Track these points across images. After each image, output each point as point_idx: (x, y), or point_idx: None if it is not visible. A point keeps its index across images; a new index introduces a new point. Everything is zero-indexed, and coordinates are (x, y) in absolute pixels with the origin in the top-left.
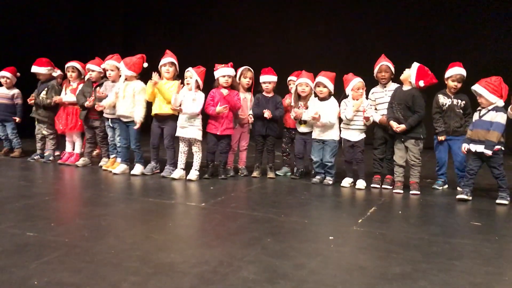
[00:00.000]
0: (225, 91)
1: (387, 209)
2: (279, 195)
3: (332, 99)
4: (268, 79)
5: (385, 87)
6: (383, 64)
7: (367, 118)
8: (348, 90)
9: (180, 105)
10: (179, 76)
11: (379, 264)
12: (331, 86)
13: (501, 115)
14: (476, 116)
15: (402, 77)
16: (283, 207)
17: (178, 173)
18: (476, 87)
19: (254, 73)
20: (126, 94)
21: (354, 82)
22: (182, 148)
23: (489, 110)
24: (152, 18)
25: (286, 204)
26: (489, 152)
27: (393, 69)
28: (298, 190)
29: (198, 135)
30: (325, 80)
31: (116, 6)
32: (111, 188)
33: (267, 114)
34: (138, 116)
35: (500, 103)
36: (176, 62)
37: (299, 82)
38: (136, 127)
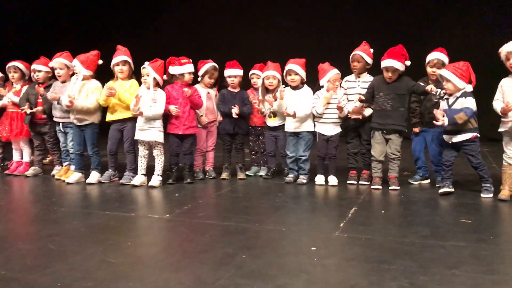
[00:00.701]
0: (188, 90)
1: (368, 208)
2: (251, 199)
3: (306, 88)
4: (234, 73)
5: (358, 77)
6: (356, 53)
7: (340, 109)
8: (323, 81)
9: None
10: (135, 73)
11: (373, 280)
12: (302, 73)
13: (470, 100)
14: (444, 105)
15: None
16: (257, 213)
17: (139, 179)
18: (444, 72)
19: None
20: (81, 95)
21: (331, 74)
22: (142, 152)
23: (457, 98)
24: (104, 10)
25: (260, 209)
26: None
27: (368, 59)
28: (271, 191)
29: (159, 137)
30: (296, 67)
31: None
32: (63, 201)
33: (235, 111)
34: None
35: (469, 88)
36: (130, 60)
37: (266, 74)
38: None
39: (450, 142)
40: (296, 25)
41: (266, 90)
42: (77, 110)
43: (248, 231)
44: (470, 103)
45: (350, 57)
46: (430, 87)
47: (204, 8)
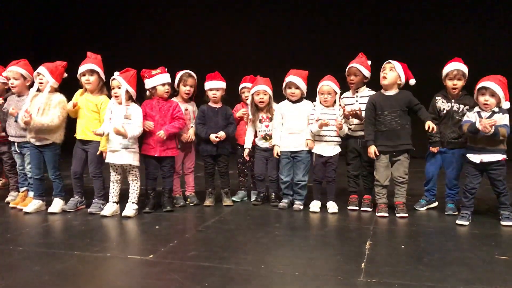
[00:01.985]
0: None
1: (384, 242)
2: (247, 232)
3: (305, 102)
4: (216, 85)
5: (356, 92)
6: (352, 66)
7: (340, 127)
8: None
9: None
10: (106, 84)
11: None
12: (304, 87)
13: (507, 117)
14: (474, 118)
15: (388, 82)
16: (258, 251)
17: (110, 208)
18: (490, 84)
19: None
20: (43, 110)
21: (320, 85)
22: (114, 176)
23: (494, 112)
24: (71, 15)
25: (261, 246)
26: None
27: (365, 72)
28: (266, 222)
29: (134, 160)
30: (297, 79)
31: (27, 4)
32: (20, 237)
33: (214, 138)
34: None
35: (507, 104)
36: (99, 69)
37: (256, 90)
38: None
39: (479, 162)
40: (287, 36)
41: (256, 108)
42: (35, 128)
43: (255, 277)
44: (507, 120)
45: (346, 70)
46: (432, 127)
47: (188, 15)
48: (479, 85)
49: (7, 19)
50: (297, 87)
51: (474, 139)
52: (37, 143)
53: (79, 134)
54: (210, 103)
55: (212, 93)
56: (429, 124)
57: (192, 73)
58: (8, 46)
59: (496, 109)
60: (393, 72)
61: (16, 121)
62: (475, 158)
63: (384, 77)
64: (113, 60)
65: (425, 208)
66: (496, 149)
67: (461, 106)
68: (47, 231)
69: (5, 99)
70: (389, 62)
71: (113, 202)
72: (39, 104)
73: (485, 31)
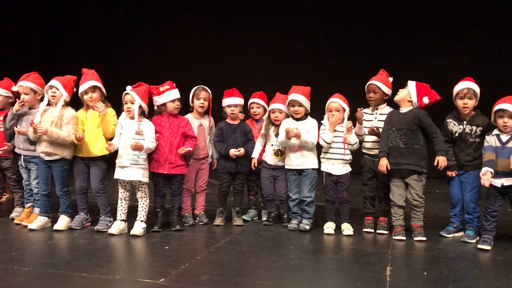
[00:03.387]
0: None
1: (405, 268)
2: (260, 255)
3: (310, 119)
4: (234, 101)
5: (376, 109)
6: (371, 83)
7: (345, 139)
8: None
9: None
10: (108, 98)
11: None
12: (307, 104)
13: None
14: (494, 142)
15: (397, 98)
16: (274, 276)
17: (118, 226)
18: (508, 106)
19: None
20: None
21: (328, 102)
22: (123, 193)
23: None
24: (78, 31)
25: (276, 270)
26: None
27: (385, 90)
28: (279, 243)
29: (144, 177)
30: (300, 97)
31: (36, 16)
32: (26, 257)
33: (234, 153)
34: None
35: None
36: (100, 84)
37: (273, 108)
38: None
39: (500, 186)
40: (301, 50)
41: (272, 124)
42: (49, 140)
43: None
44: None
45: (366, 87)
46: (440, 165)
47: (199, 31)
48: (496, 107)
49: (15, 33)
50: (300, 105)
51: (495, 162)
52: (46, 158)
53: (83, 153)
54: (228, 120)
55: (230, 110)
56: (438, 160)
57: (206, 87)
58: (16, 59)
59: None
60: (405, 90)
61: (28, 139)
62: (496, 181)
63: (396, 93)
64: (118, 74)
65: (452, 235)
66: None
67: (474, 127)
68: (52, 250)
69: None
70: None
71: (121, 220)
72: (52, 117)
73: (500, 51)
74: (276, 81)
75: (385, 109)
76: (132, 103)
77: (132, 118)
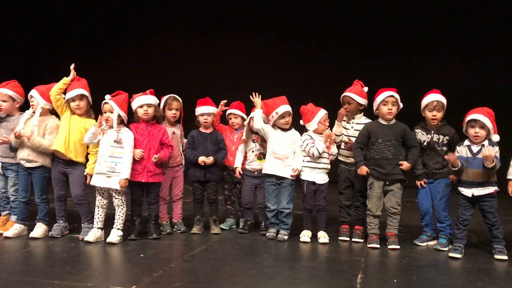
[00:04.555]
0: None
1: (376, 275)
2: (234, 263)
3: (294, 131)
4: (207, 110)
5: (353, 118)
6: (345, 95)
7: (346, 142)
8: (312, 124)
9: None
10: (94, 108)
11: None
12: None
13: (497, 150)
14: (464, 152)
15: (392, 117)
16: (246, 283)
17: (94, 234)
18: (479, 117)
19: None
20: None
21: (321, 114)
22: (100, 201)
23: (483, 146)
24: (63, 38)
25: (249, 278)
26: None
27: (360, 100)
28: (254, 251)
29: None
30: (289, 108)
31: (19, 23)
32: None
33: (203, 160)
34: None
35: (496, 137)
36: (87, 93)
37: (252, 116)
38: None
39: (470, 196)
40: (281, 60)
41: (251, 131)
42: (31, 148)
43: None
44: (498, 153)
45: (341, 99)
46: (406, 168)
47: (178, 39)
48: (468, 117)
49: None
50: (290, 114)
51: (466, 173)
52: (27, 165)
53: (60, 148)
54: (200, 128)
55: (203, 119)
56: (405, 164)
57: (177, 96)
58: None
59: (486, 142)
60: (395, 106)
61: (10, 147)
62: (466, 191)
63: (390, 113)
64: (101, 83)
65: (425, 243)
66: (487, 182)
67: (441, 136)
68: (27, 257)
69: None
70: (392, 96)
71: (98, 228)
72: (32, 126)
73: (464, 62)
74: (254, 90)
75: (362, 119)
76: (111, 112)
77: (111, 127)
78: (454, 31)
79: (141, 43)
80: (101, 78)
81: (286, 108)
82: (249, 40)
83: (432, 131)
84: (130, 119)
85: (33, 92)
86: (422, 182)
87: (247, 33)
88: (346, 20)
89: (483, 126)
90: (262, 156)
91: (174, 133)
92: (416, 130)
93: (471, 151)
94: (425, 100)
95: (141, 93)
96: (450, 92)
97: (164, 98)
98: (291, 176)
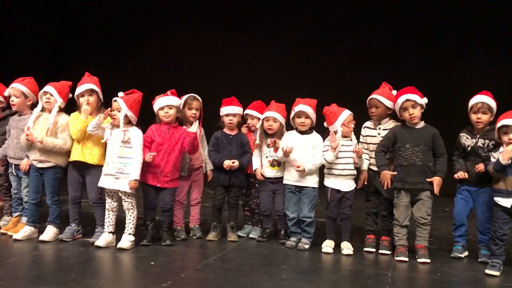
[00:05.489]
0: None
1: None
2: (249, 274)
3: (315, 134)
4: (232, 111)
5: (379, 124)
6: (372, 97)
7: (358, 153)
8: (336, 126)
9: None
10: (106, 107)
11: None
12: (314, 117)
13: None
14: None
15: (417, 120)
16: None
17: (105, 239)
18: (511, 122)
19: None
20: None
21: (345, 115)
22: (110, 204)
23: None
24: (83, 38)
25: None
26: None
27: (388, 104)
28: (272, 261)
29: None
30: (308, 109)
31: (41, 22)
32: (5, 269)
33: (229, 164)
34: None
35: None
36: (97, 89)
37: (266, 116)
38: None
39: (510, 206)
40: (299, 61)
41: (265, 134)
42: (45, 149)
43: None
44: None
45: (367, 102)
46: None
47: (200, 40)
48: (499, 123)
49: (21, 38)
50: (307, 116)
51: (504, 180)
52: (39, 165)
53: (78, 157)
54: (225, 130)
55: (228, 119)
56: (435, 180)
57: (197, 96)
58: (21, 65)
59: None
60: (416, 108)
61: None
62: (505, 202)
63: (413, 117)
64: (121, 83)
65: (462, 255)
66: None
67: (487, 141)
68: (33, 262)
69: (3, 118)
70: (408, 100)
71: (109, 232)
72: (46, 124)
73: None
74: (276, 91)
75: (389, 123)
76: (119, 111)
77: (117, 126)
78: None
79: (163, 42)
80: (123, 77)
81: (302, 107)
82: (275, 39)
83: (478, 135)
84: (146, 119)
85: (50, 89)
86: (461, 175)
87: (270, 32)
88: (377, 19)
89: None
90: (275, 163)
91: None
92: (461, 134)
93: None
94: (471, 102)
95: (162, 94)
96: (504, 94)
97: (183, 98)
98: (296, 169)
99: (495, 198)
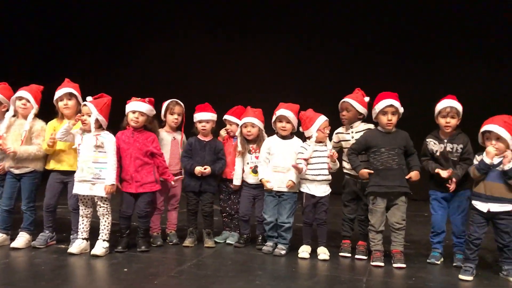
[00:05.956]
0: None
1: None
2: (224, 280)
3: (296, 139)
4: (206, 117)
5: (351, 127)
6: (345, 101)
7: (332, 158)
8: (311, 131)
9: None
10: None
11: None
12: (295, 122)
13: None
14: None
15: (392, 127)
16: None
17: (78, 245)
18: (493, 128)
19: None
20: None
21: (321, 121)
22: (84, 210)
23: (503, 157)
24: (71, 42)
25: None
26: None
27: (359, 108)
28: (248, 267)
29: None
30: (289, 113)
31: (26, 29)
32: None
33: (200, 170)
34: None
35: None
36: (76, 93)
37: (244, 122)
38: None
39: (486, 211)
40: (276, 67)
41: (246, 140)
42: (19, 157)
43: None
44: None
45: (339, 105)
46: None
47: (189, 45)
48: (482, 128)
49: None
50: (288, 121)
51: (484, 184)
52: (16, 171)
53: (63, 166)
54: (199, 136)
55: (201, 126)
56: (413, 174)
57: (179, 101)
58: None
59: (509, 153)
60: (395, 116)
61: None
62: (482, 206)
63: (390, 124)
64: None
65: (439, 262)
66: (506, 198)
67: (455, 145)
68: (3, 270)
69: None
70: (391, 106)
71: (83, 239)
72: (20, 131)
73: (483, 69)
74: (257, 98)
75: (361, 125)
76: (89, 116)
77: (88, 130)
78: (471, 33)
79: (154, 49)
80: (103, 82)
81: (283, 112)
82: (258, 45)
83: (445, 140)
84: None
85: (26, 95)
86: (445, 174)
87: (257, 38)
88: (353, 26)
89: (498, 137)
90: (256, 170)
91: (174, 138)
92: (427, 140)
93: (490, 162)
94: (439, 106)
95: (139, 99)
96: (468, 98)
97: (166, 103)
98: (287, 187)
99: (473, 202)
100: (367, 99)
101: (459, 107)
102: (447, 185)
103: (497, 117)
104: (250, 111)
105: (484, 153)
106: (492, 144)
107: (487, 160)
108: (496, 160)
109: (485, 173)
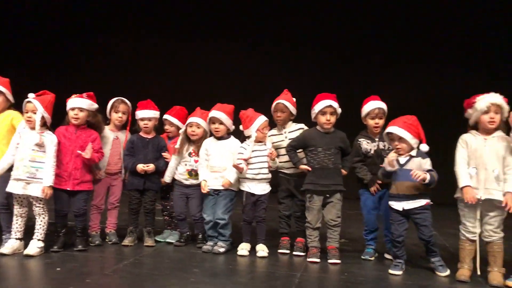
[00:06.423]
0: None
1: None
2: (158, 278)
3: (233, 139)
4: (147, 114)
5: (283, 128)
6: (279, 102)
7: (272, 156)
8: (251, 131)
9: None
10: (15, 107)
11: None
12: (229, 123)
13: (429, 161)
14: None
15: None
16: None
17: (11, 245)
18: (395, 130)
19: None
20: None
21: (261, 121)
22: (19, 210)
23: (412, 157)
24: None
25: None
26: None
27: (292, 109)
28: (185, 265)
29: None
30: (221, 115)
31: None
32: None
33: (142, 168)
34: None
35: (425, 147)
36: (4, 90)
37: (189, 122)
38: None
39: (401, 210)
40: (221, 69)
41: (188, 140)
42: None
43: None
44: (429, 164)
45: (273, 106)
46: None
47: (141, 42)
48: (386, 130)
49: None
50: (221, 123)
51: (395, 185)
52: None
53: None
54: (141, 133)
55: (143, 123)
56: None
57: (125, 99)
58: None
59: (414, 153)
60: (334, 116)
61: None
62: (397, 205)
63: (328, 123)
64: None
65: (373, 258)
66: (417, 195)
67: (386, 143)
68: None
69: None
70: (330, 106)
71: (16, 239)
72: None
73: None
74: (220, 98)
75: (292, 126)
76: (34, 113)
77: (33, 128)
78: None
79: (118, 47)
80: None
81: (214, 114)
82: (215, 46)
83: (377, 139)
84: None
85: None
86: (375, 188)
87: (220, 40)
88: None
89: (400, 138)
90: (193, 173)
91: (117, 137)
92: (360, 140)
93: (398, 161)
94: (366, 108)
95: (77, 95)
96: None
97: (111, 101)
98: (222, 185)
99: (389, 202)
100: (294, 99)
101: (385, 107)
102: (371, 189)
103: (398, 119)
104: (198, 111)
105: (385, 160)
106: (395, 145)
107: (388, 168)
108: (402, 160)
109: (388, 178)
